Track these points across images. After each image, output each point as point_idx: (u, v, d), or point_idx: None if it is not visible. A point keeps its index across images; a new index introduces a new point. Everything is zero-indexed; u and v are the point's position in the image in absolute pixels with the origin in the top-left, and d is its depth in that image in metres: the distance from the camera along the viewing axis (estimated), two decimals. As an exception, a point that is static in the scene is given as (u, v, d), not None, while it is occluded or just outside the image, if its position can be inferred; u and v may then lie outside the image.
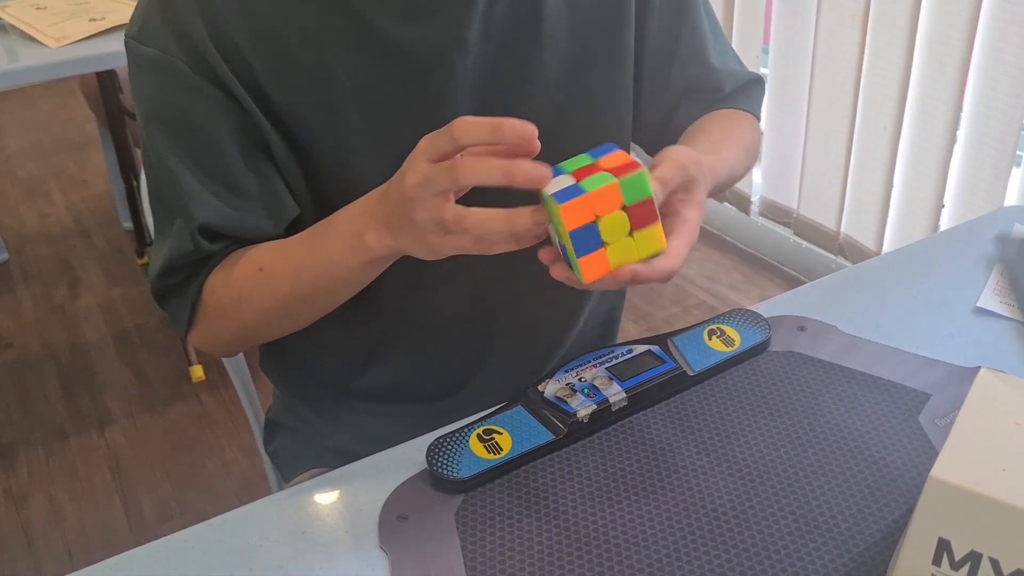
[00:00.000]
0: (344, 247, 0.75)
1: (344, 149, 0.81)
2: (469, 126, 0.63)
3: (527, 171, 0.62)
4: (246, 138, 0.79)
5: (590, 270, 0.64)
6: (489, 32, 0.81)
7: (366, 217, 0.73)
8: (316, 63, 0.78)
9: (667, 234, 0.66)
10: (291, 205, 0.83)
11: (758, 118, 0.99)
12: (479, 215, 0.64)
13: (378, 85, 0.79)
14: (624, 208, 0.63)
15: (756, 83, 1.00)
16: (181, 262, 0.81)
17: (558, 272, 0.67)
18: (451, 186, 0.64)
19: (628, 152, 0.66)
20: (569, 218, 0.62)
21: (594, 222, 0.63)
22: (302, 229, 0.82)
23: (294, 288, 0.79)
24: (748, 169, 0.96)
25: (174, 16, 0.76)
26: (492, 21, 0.81)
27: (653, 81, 0.93)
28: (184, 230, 0.79)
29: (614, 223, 0.63)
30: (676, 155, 0.69)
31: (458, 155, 0.65)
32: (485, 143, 0.63)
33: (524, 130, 0.62)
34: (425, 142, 0.66)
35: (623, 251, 0.64)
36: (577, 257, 0.63)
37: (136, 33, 0.79)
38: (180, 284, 0.83)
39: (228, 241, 0.82)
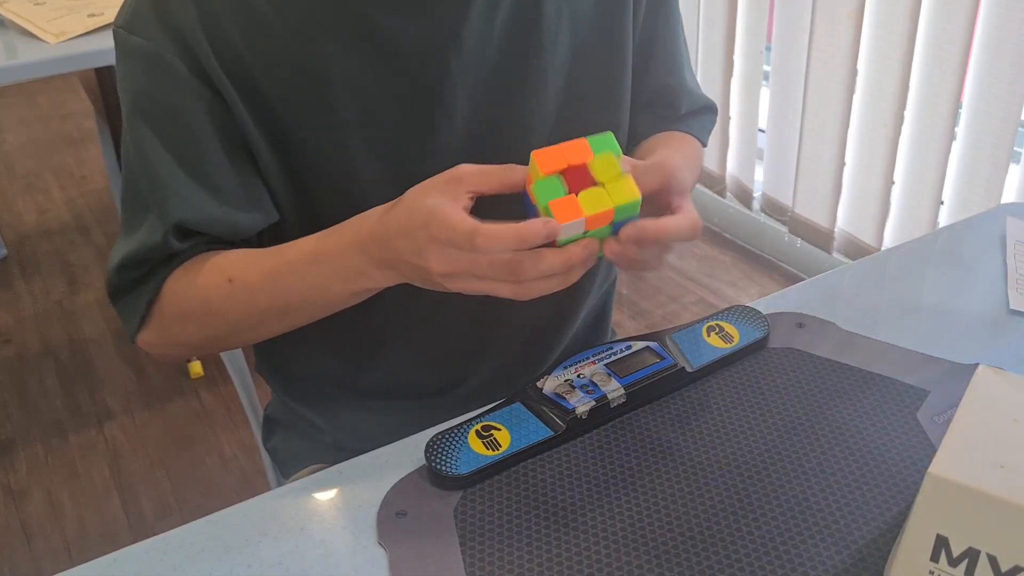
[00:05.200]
0: (339, 277, 0.74)
1: (337, 146, 0.80)
2: (492, 242, 0.63)
3: (585, 266, 0.66)
4: (228, 137, 0.79)
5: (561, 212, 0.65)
6: (489, 34, 0.81)
7: (361, 255, 0.71)
8: (310, 59, 0.77)
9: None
10: (270, 208, 0.82)
11: (704, 147, 1.01)
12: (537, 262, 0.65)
13: (372, 82, 0.79)
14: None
15: (710, 111, 1.02)
16: (146, 256, 0.79)
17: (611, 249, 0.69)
18: (509, 295, 0.66)
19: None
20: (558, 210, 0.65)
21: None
22: (283, 234, 0.81)
23: (272, 304, 0.78)
24: None
25: (166, 7, 0.76)
26: (492, 23, 0.81)
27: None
28: (157, 225, 0.78)
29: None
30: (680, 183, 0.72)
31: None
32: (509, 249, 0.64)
33: (546, 230, 0.63)
34: (442, 231, 0.64)
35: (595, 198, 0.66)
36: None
37: (125, 22, 0.78)
38: (139, 280, 0.82)
39: (197, 240, 0.80)
